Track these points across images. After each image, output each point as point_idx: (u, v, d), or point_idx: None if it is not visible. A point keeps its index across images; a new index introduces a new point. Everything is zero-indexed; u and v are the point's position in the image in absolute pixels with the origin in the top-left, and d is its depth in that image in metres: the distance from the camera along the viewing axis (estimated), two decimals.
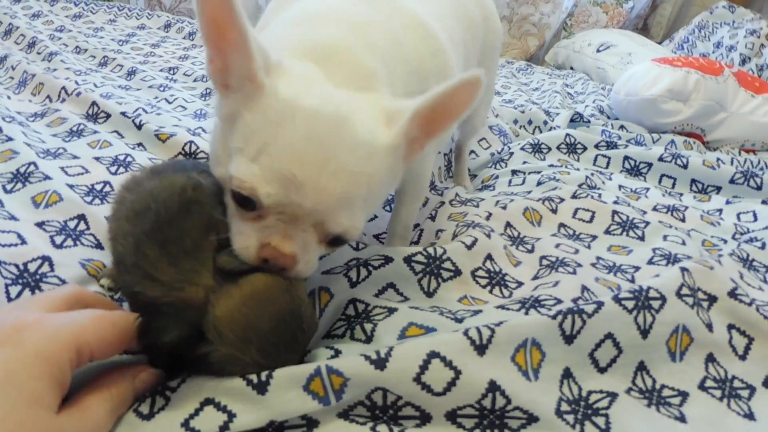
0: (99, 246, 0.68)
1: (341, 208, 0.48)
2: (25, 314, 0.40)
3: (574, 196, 0.94)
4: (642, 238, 0.88)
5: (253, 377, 0.45)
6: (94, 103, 1.05)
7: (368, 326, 0.58)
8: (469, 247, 0.74)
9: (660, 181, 1.18)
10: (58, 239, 0.66)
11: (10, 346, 0.37)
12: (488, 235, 0.78)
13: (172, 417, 0.44)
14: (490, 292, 0.73)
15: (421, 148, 0.53)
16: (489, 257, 0.76)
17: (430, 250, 0.71)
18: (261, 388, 0.45)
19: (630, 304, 0.58)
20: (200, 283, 0.44)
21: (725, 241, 0.94)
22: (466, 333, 0.51)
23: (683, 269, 0.64)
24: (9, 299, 0.55)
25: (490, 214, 0.88)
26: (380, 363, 0.47)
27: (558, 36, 2.81)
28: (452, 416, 0.49)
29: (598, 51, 2.36)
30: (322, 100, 0.47)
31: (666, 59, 1.64)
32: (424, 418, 0.49)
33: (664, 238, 0.87)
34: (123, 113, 1.02)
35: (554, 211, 0.91)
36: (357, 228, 0.50)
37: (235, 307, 0.44)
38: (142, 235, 0.46)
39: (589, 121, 1.52)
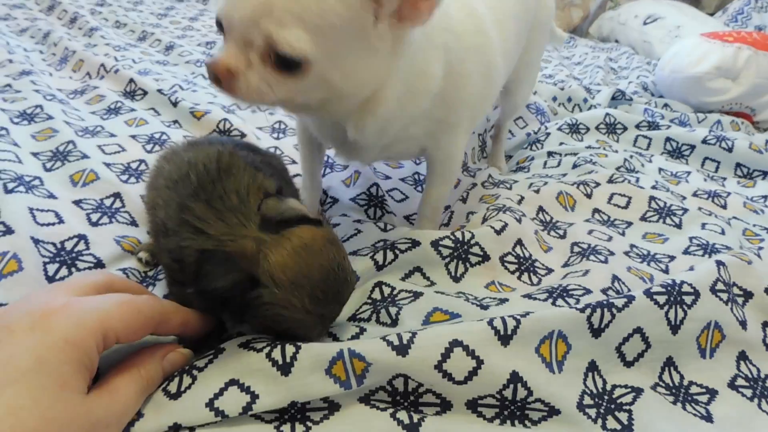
0: (134, 223, 0.69)
1: (267, 18, 0.48)
2: (54, 299, 0.42)
3: (610, 181, 0.91)
4: (679, 226, 0.85)
5: (278, 357, 0.46)
6: (131, 81, 1.06)
7: (393, 310, 0.59)
8: (498, 232, 0.73)
9: (703, 165, 1.14)
10: (94, 217, 0.68)
11: (39, 331, 0.38)
12: (519, 220, 0.77)
13: (198, 396, 0.45)
14: (519, 278, 0.72)
15: (417, 6, 0.52)
16: (519, 242, 0.75)
17: (458, 234, 0.70)
18: (285, 369, 0.46)
19: (662, 299, 0.57)
20: (249, 235, 0.47)
21: None
22: (490, 323, 0.50)
23: (719, 263, 0.63)
24: (47, 277, 0.57)
25: (523, 198, 0.87)
26: (402, 349, 0.47)
27: (603, 7, 2.72)
28: (473, 405, 0.49)
29: (644, 23, 2.28)
30: None
31: (716, 34, 1.57)
32: (445, 405, 0.49)
33: (703, 226, 0.84)
34: (159, 90, 1.03)
35: (589, 196, 0.89)
36: (287, 40, 0.48)
37: (288, 255, 0.46)
38: (186, 197, 0.49)
39: (631, 99, 1.48)
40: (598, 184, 0.91)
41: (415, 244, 0.67)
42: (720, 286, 0.60)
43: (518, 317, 0.52)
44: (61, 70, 1.17)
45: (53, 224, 0.63)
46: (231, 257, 0.46)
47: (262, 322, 0.48)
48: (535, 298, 0.61)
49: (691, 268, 0.63)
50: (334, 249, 0.49)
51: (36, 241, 0.60)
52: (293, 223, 0.48)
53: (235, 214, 0.48)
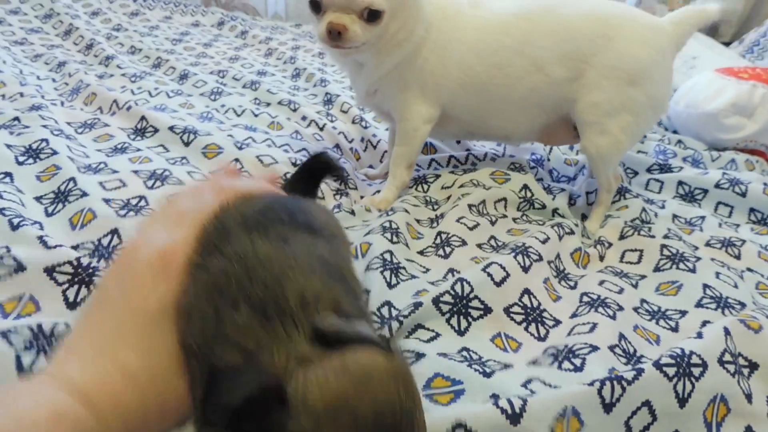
0: None
1: None
2: (178, 241, 0.43)
3: (621, 237, 0.90)
4: (693, 270, 0.83)
5: None
6: (143, 118, 1.07)
7: None
8: (498, 284, 0.72)
9: (716, 209, 1.12)
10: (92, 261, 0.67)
11: (165, 280, 0.41)
12: (526, 268, 0.76)
13: None
14: (526, 329, 0.71)
15: None
16: (527, 292, 0.74)
17: (457, 288, 0.69)
18: None
19: (671, 371, 0.55)
20: (291, 347, 0.38)
21: None
22: (496, 402, 0.49)
23: (726, 331, 0.61)
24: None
25: (548, 238, 0.85)
26: None
27: None
28: None
29: None
30: None
31: (731, 70, 1.55)
32: None
33: (717, 275, 0.82)
34: (171, 128, 1.03)
35: (602, 258, 0.89)
36: (374, 3, 0.85)
37: (333, 375, 0.35)
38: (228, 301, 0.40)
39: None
40: (610, 245, 0.90)
41: (417, 305, 0.66)
42: (727, 357, 0.58)
43: (524, 398, 0.50)
44: (72, 101, 1.18)
45: None
46: (256, 368, 0.37)
47: None
48: (540, 365, 0.59)
49: (700, 335, 0.61)
50: (401, 386, 0.36)
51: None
52: (353, 344, 0.38)
53: (284, 320, 0.39)
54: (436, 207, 0.99)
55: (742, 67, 1.58)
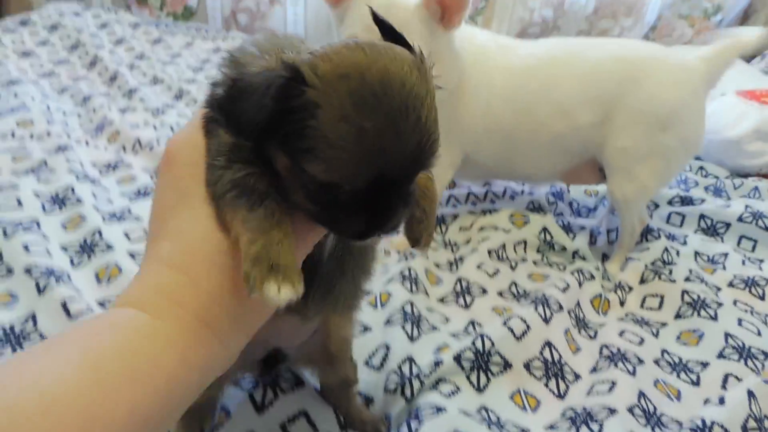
0: None
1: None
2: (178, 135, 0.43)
3: (642, 281, 0.90)
4: (715, 318, 0.83)
5: None
6: None
7: (414, 424, 0.59)
8: (518, 338, 0.72)
9: (739, 243, 1.10)
10: None
11: (168, 170, 0.41)
12: (548, 320, 0.76)
13: None
14: (546, 385, 0.71)
15: (451, 20, 0.87)
16: (548, 344, 0.74)
17: (479, 344, 0.69)
18: None
19: None
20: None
21: None
22: None
23: (750, 394, 0.60)
24: None
25: (568, 286, 0.85)
26: None
27: None
28: None
29: None
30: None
31: (753, 93, 1.53)
32: None
33: (739, 322, 0.81)
34: None
35: (622, 304, 0.88)
36: (414, 43, 0.81)
37: (346, 50, 0.35)
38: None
39: None
40: (631, 289, 0.89)
41: (438, 363, 0.67)
42: (751, 423, 0.58)
43: None
44: (96, 139, 1.20)
45: None
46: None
47: (294, 160, 0.35)
48: (558, 429, 0.59)
49: (722, 400, 0.61)
50: (416, 71, 0.37)
51: None
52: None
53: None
54: (455, 249, 0.99)
55: (764, 90, 1.57)
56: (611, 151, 0.96)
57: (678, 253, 1.02)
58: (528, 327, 0.73)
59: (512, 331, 0.72)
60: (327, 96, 0.33)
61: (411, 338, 0.74)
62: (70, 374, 0.31)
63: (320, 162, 0.34)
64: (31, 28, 1.75)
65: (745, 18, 2.76)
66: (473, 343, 0.69)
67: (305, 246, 0.41)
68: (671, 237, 1.10)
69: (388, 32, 0.41)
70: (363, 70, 0.34)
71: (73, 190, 0.90)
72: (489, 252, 0.94)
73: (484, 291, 0.86)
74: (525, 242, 0.99)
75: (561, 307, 0.78)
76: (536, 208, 1.09)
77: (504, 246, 0.96)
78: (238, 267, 0.35)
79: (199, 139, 0.41)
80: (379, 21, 0.41)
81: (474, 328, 0.78)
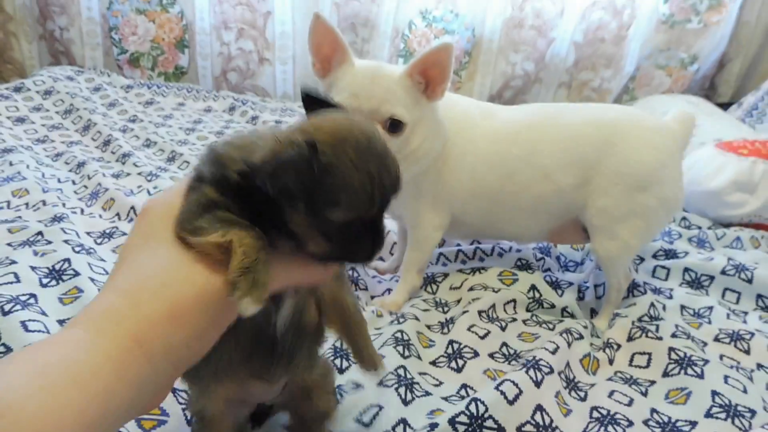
0: None
1: (384, 104, 0.89)
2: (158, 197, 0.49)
3: (630, 339, 0.92)
4: (701, 376, 0.84)
5: None
6: None
7: None
8: (511, 402, 0.73)
9: (723, 296, 1.13)
10: None
11: (141, 224, 0.47)
12: (538, 383, 0.77)
13: None
14: None
15: (434, 91, 0.92)
16: (539, 408, 0.75)
17: (472, 408, 0.70)
18: None
19: None
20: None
21: None
22: None
23: None
24: None
25: (558, 347, 0.86)
26: None
27: (620, 100, 2.76)
28: None
29: None
30: (375, 64, 0.94)
31: (730, 145, 1.58)
32: None
33: (725, 379, 0.83)
34: None
35: (611, 362, 0.90)
36: (397, 112, 0.90)
37: (324, 120, 0.46)
38: None
39: None
40: (619, 347, 0.91)
41: (433, 427, 0.68)
42: None
43: None
44: (91, 206, 1.22)
45: None
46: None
47: (317, 210, 0.43)
48: None
49: None
50: (369, 125, 0.48)
51: None
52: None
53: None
54: (446, 309, 1.01)
55: (741, 141, 1.62)
56: (593, 212, 1.00)
57: (664, 307, 1.05)
58: (520, 391, 0.74)
59: (505, 395, 0.73)
60: (338, 156, 0.42)
61: (404, 402, 0.75)
62: (20, 382, 0.35)
63: (342, 207, 0.43)
64: (25, 93, 1.79)
65: (720, 66, 2.86)
66: (467, 408, 0.70)
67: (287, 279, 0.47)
68: (657, 291, 1.12)
69: (319, 103, 0.51)
70: (350, 132, 0.44)
71: (69, 261, 0.92)
72: (479, 313, 0.95)
73: (476, 353, 0.88)
74: (514, 301, 1.01)
75: (551, 370, 0.80)
76: (524, 265, 1.12)
77: (494, 306, 0.98)
78: (180, 302, 0.41)
79: (176, 201, 0.46)
80: (309, 97, 0.52)
81: (467, 392, 0.80)
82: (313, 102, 0.51)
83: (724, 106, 2.69)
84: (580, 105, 1.11)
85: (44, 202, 1.14)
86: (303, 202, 0.43)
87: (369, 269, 1.19)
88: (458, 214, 1.05)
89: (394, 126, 0.90)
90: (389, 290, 1.11)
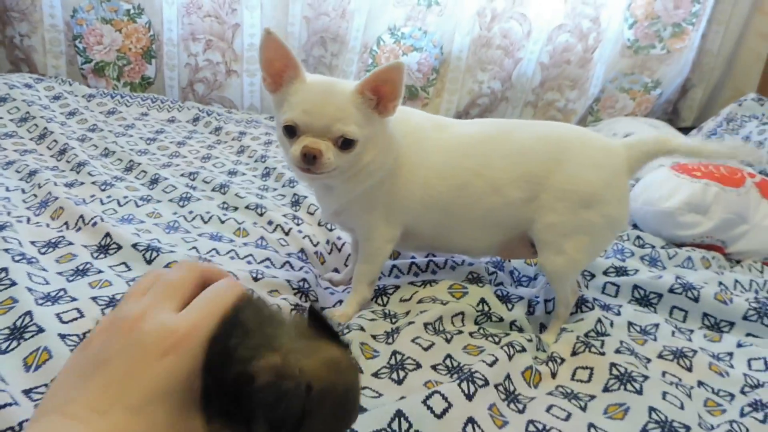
0: None
1: (336, 122, 0.88)
2: (179, 321, 0.44)
3: (573, 353, 0.92)
4: (639, 392, 0.85)
5: None
6: (107, 234, 1.09)
7: None
8: (439, 416, 0.72)
9: (671, 314, 1.15)
10: None
11: (174, 354, 0.42)
12: (470, 396, 0.77)
13: None
14: None
15: (386, 107, 0.92)
16: (471, 421, 0.75)
17: (395, 425, 0.70)
18: None
19: None
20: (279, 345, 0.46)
21: (732, 397, 0.90)
22: None
23: None
24: None
25: (497, 360, 0.86)
26: None
27: (584, 121, 2.81)
28: None
29: None
30: (327, 80, 0.94)
31: (685, 167, 1.61)
32: None
33: (663, 396, 0.84)
34: (135, 245, 1.05)
35: (554, 375, 0.90)
36: (349, 130, 0.89)
37: (321, 365, 0.46)
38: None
39: None
40: (563, 361, 0.92)
41: None
42: None
43: None
44: (39, 215, 1.20)
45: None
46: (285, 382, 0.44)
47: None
48: None
49: None
50: (355, 374, 0.50)
51: None
52: (327, 337, 0.49)
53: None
54: (394, 320, 1.00)
55: (695, 164, 1.65)
56: (540, 227, 1.01)
57: (612, 323, 1.06)
58: (449, 404, 0.74)
59: (432, 409, 0.72)
60: (320, 406, 0.44)
61: None
62: None
63: None
64: None
65: (683, 92, 2.93)
66: (389, 425, 0.69)
67: None
68: (606, 307, 1.13)
69: (321, 324, 0.50)
70: (334, 386, 0.46)
71: (6, 271, 0.89)
72: (425, 325, 0.95)
73: (419, 365, 0.87)
74: (462, 314, 1.01)
75: (487, 382, 0.79)
76: (476, 278, 1.12)
77: (441, 318, 0.98)
78: None
79: (206, 338, 0.44)
80: (315, 316, 0.50)
81: None
82: (316, 320, 0.50)
83: (686, 130, 2.75)
84: (533, 122, 1.12)
85: None
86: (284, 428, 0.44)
87: (322, 281, 1.18)
88: (410, 227, 1.05)
89: (346, 143, 0.89)
90: (340, 302, 1.10)
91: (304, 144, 0.88)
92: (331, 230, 1.34)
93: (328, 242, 1.31)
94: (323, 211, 1.11)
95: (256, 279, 1.03)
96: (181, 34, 2.39)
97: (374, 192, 1.00)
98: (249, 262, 1.13)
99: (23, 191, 1.32)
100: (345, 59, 2.50)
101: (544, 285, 1.17)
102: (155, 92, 2.41)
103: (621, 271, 1.24)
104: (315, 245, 1.28)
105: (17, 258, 0.96)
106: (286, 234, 1.28)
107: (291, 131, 0.90)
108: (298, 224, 1.33)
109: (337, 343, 0.49)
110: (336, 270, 1.27)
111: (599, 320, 1.03)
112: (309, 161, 0.88)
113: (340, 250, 1.30)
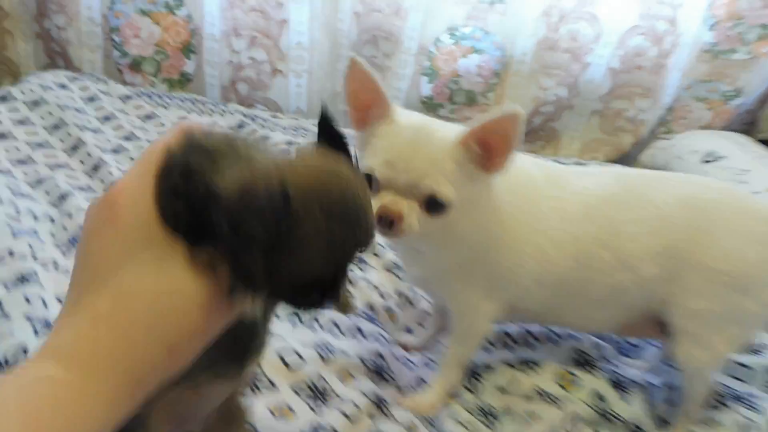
0: None
1: (425, 178, 0.70)
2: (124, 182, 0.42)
3: None
4: None
5: None
6: None
7: None
8: None
9: None
10: None
11: (111, 225, 0.40)
12: None
13: None
14: None
15: (494, 163, 0.73)
16: None
17: None
18: None
19: None
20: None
21: None
22: None
23: None
24: None
25: None
26: None
27: (655, 132, 2.58)
28: None
29: (705, 162, 2.12)
30: (423, 124, 0.75)
31: None
32: None
33: None
34: None
35: None
36: (441, 191, 0.70)
37: (304, 167, 0.41)
38: None
39: None
40: None
41: None
42: None
43: None
44: (69, 257, 1.03)
45: None
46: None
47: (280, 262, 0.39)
48: None
49: None
50: (360, 186, 0.43)
51: None
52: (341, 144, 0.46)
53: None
54: (492, 420, 0.82)
55: None
56: (680, 313, 0.82)
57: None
58: None
59: None
60: (307, 212, 0.38)
61: None
62: (15, 429, 0.32)
63: (297, 264, 0.40)
64: (11, 104, 1.59)
65: (763, 101, 2.67)
66: None
67: None
68: (737, 398, 0.93)
69: (335, 139, 0.46)
70: (326, 188, 0.40)
71: (25, 351, 0.73)
72: None
73: None
74: (577, 416, 0.82)
75: None
76: (584, 361, 0.93)
77: (553, 428, 0.79)
78: (177, 340, 0.39)
79: (147, 191, 0.40)
80: (327, 126, 0.46)
81: None
82: (326, 128, 0.46)
83: (764, 143, 2.51)
84: (671, 176, 0.92)
85: (11, 253, 0.95)
86: (255, 249, 0.38)
87: (396, 349, 1.01)
88: (515, 302, 0.86)
89: (436, 206, 0.72)
90: (421, 380, 0.92)
91: (381, 203, 0.71)
92: (401, 279, 1.15)
93: (399, 293, 1.13)
94: (408, 274, 0.93)
95: (323, 359, 0.86)
96: (224, 29, 2.22)
97: (475, 265, 0.83)
98: (312, 328, 0.95)
99: (52, 220, 1.15)
100: (399, 60, 2.30)
101: (657, 359, 0.98)
102: (194, 90, 2.24)
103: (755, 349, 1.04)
104: (384, 298, 1.10)
105: (39, 327, 0.79)
106: (352, 285, 1.10)
107: (370, 183, 0.73)
108: (362, 270, 1.15)
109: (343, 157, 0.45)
110: (409, 329, 1.09)
111: (741, 425, 0.83)
112: (385, 225, 0.71)
113: (413, 304, 1.12)
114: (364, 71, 0.74)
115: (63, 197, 1.21)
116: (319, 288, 0.43)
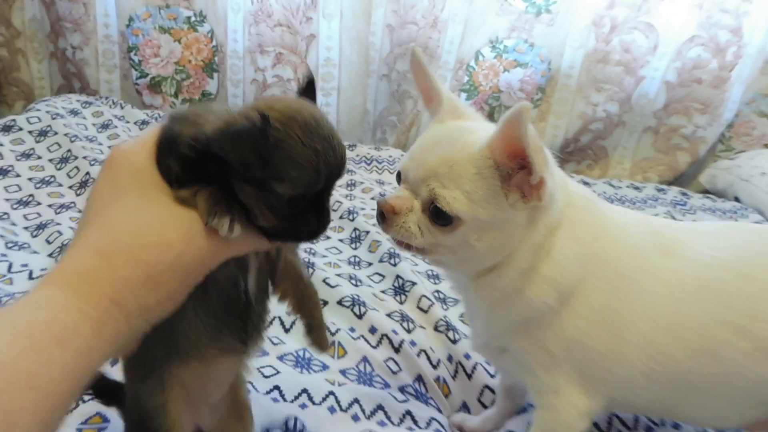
0: None
1: (431, 177, 0.62)
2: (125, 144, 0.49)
3: None
4: None
5: None
6: None
7: None
8: None
9: None
10: None
11: (108, 173, 0.48)
12: None
13: None
14: None
15: (530, 189, 0.59)
16: None
17: None
18: None
19: None
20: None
21: None
22: None
23: None
24: None
25: None
26: None
27: (714, 150, 2.37)
28: None
29: None
30: (462, 124, 0.67)
31: None
32: None
33: None
34: None
35: None
36: (443, 196, 0.60)
37: (273, 100, 0.47)
38: None
39: None
40: None
41: None
42: None
43: None
44: None
45: None
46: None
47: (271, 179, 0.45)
48: None
49: None
50: (319, 112, 0.49)
51: None
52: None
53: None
54: None
55: None
56: None
57: None
58: None
59: None
60: (287, 132, 0.45)
61: None
62: (7, 341, 0.36)
63: (289, 181, 0.45)
64: (16, 134, 1.45)
65: None
66: None
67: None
68: None
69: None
70: (298, 113, 0.46)
71: None
72: None
73: None
74: None
75: None
76: None
77: None
78: (156, 266, 0.43)
79: (143, 153, 0.47)
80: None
81: None
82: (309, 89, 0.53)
83: None
84: None
85: None
86: (253, 173, 0.44)
87: (452, 427, 0.83)
88: (618, 396, 0.68)
89: (440, 216, 0.61)
90: None
91: (386, 196, 0.66)
92: (454, 342, 0.97)
93: (450, 359, 0.95)
94: (473, 336, 0.78)
95: None
96: (248, 46, 2.08)
97: (545, 333, 0.66)
98: (355, 418, 0.77)
99: None
100: (435, 76, 2.12)
101: None
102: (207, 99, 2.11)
103: None
104: (435, 366, 0.92)
105: None
106: (397, 350, 0.92)
107: (399, 177, 0.68)
108: (408, 330, 0.97)
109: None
110: (465, 406, 0.91)
111: None
112: (379, 216, 0.65)
113: (470, 375, 0.93)
114: (420, 66, 0.70)
115: (64, 247, 1.06)
116: (312, 208, 0.48)
